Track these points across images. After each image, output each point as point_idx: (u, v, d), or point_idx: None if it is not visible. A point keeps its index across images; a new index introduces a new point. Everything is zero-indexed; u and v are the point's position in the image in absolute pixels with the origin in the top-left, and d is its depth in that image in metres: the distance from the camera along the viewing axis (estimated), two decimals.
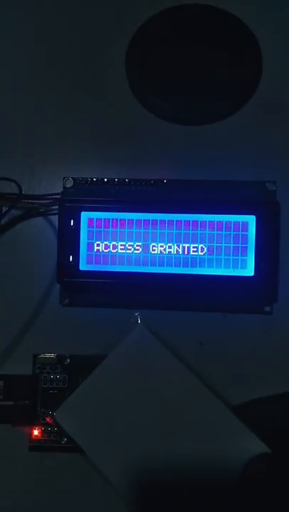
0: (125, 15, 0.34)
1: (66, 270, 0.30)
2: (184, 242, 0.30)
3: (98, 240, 0.30)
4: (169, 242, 0.30)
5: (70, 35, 0.34)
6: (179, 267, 0.30)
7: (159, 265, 0.30)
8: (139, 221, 0.30)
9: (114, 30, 0.34)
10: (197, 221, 0.30)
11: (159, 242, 0.30)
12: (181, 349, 0.30)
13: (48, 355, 0.30)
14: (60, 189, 0.32)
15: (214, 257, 0.30)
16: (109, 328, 0.31)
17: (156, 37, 0.34)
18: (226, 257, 0.30)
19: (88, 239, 0.30)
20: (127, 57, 0.33)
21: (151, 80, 0.33)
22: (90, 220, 0.30)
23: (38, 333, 0.31)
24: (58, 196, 0.31)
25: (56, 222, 0.31)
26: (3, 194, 0.31)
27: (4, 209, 0.31)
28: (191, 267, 0.30)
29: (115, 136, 0.33)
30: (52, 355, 0.30)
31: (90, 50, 0.34)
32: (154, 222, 0.30)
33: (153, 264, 0.30)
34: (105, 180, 0.32)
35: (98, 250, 0.30)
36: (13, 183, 0.30)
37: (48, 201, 0.32)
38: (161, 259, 0.30)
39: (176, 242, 0.30)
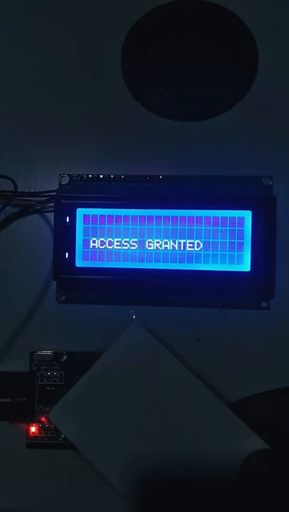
0: (121, 11, 0.34)
1: (62, 267, 0.30)
2: (180, 238, 0.30)
3: (94, 237, 0.30)
4: (164, 238, 0.30)
5: (67, 32, 0.34)
6: (175, 262, 0.30)
7: (155, 261, 0.30)
8: (134, 217, 0.30)
9: (110, 26, 0.34)
10: (193, 217, 0.30)
11: (155, 238, 0.30)
12: (177, 345, 0.30)
13: (44, 352, 0.30)
14: (55, 186, 0.32)
15: (210, 252, 0.30)
16: (106, 324, 0.31)
17: (152, 33, 0.33)
18: (222, 253, 0.30)
19: (84, 235, 0.30)
20: (123, 53, 0.33)
21: (147, 76, 0.33)
22: (86, 217, 0.30)
23: (34, 330, 0.31)
24: (54, 193, 0.31)
25: (52, 219, 0.31)
26: None
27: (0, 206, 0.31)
28: (187, 262, 0.30)
29: (111, 132, 0.33)
30: (49, 352, 0.30)
31: (86, 46, 0.34)
32: (150, 218, 0.30)
33: (149, 260, 0.30)
34: (101, 176, 0.32)
35: (94, 247, 0.30)
36: (9, 181, 0.30)
37: (43, 198, 0.32)
38: (157, 255, 0.30)
39: (172, 237, 0.30)
